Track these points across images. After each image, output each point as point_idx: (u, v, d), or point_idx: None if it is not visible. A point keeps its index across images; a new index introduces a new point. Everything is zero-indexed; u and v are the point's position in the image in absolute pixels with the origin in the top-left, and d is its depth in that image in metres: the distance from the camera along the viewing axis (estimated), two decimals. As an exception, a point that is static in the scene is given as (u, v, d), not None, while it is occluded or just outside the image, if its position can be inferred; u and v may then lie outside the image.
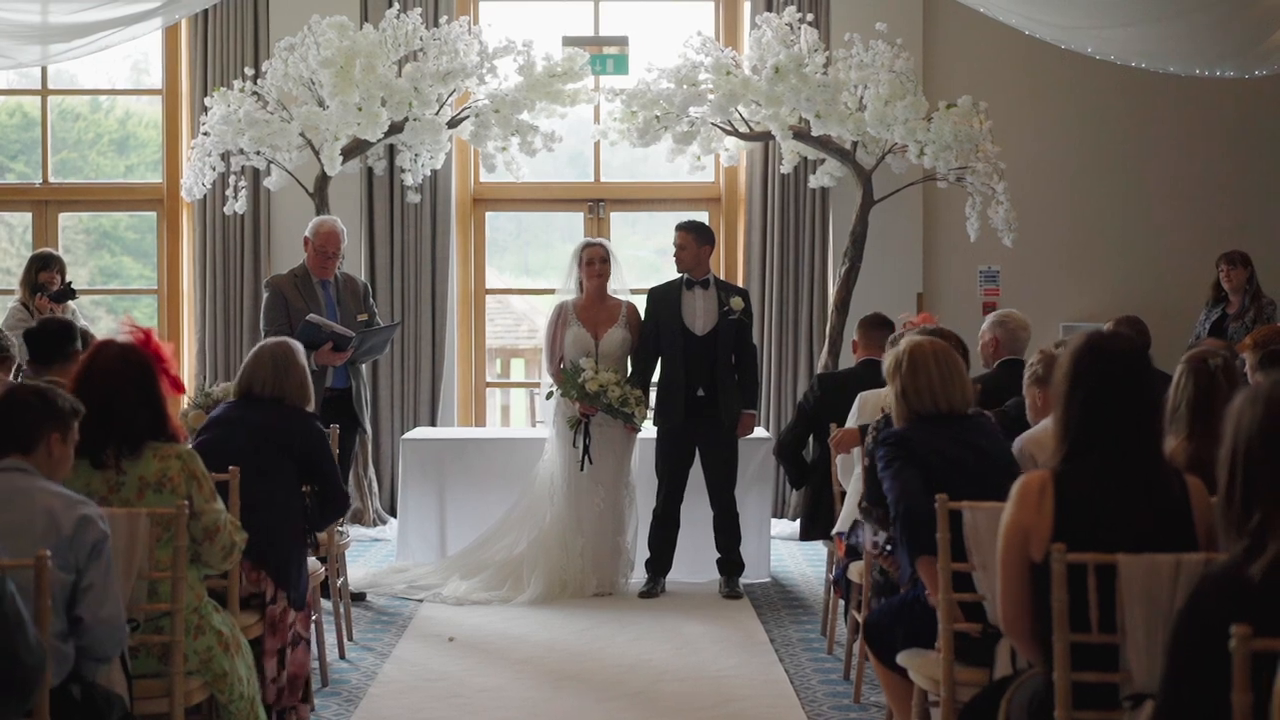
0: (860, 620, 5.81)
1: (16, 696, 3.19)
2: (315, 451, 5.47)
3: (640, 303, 8.20)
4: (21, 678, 3.16)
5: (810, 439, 7.44)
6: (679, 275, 8.05)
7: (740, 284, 10.37)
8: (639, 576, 8.00)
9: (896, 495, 4.47)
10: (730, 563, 7.96)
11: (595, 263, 8.03)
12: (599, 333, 7.99)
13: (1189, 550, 3.33)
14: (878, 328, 7.25)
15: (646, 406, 7.93)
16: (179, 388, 4.51)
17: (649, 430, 8.08)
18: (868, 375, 6.76)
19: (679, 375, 7.92)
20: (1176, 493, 3.45)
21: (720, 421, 7.92)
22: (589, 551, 7.86)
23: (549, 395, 8.08)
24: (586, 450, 7.83)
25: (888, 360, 4.80)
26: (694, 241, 8.01)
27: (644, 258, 10.93)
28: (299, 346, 5.68)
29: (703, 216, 10.10)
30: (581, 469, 7.83)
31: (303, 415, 5.52)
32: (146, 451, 4.28)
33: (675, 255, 8.04)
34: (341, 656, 6.47)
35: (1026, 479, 3.50)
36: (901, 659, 4.47)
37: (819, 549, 8.23)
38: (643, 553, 8.03)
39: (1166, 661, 2.62)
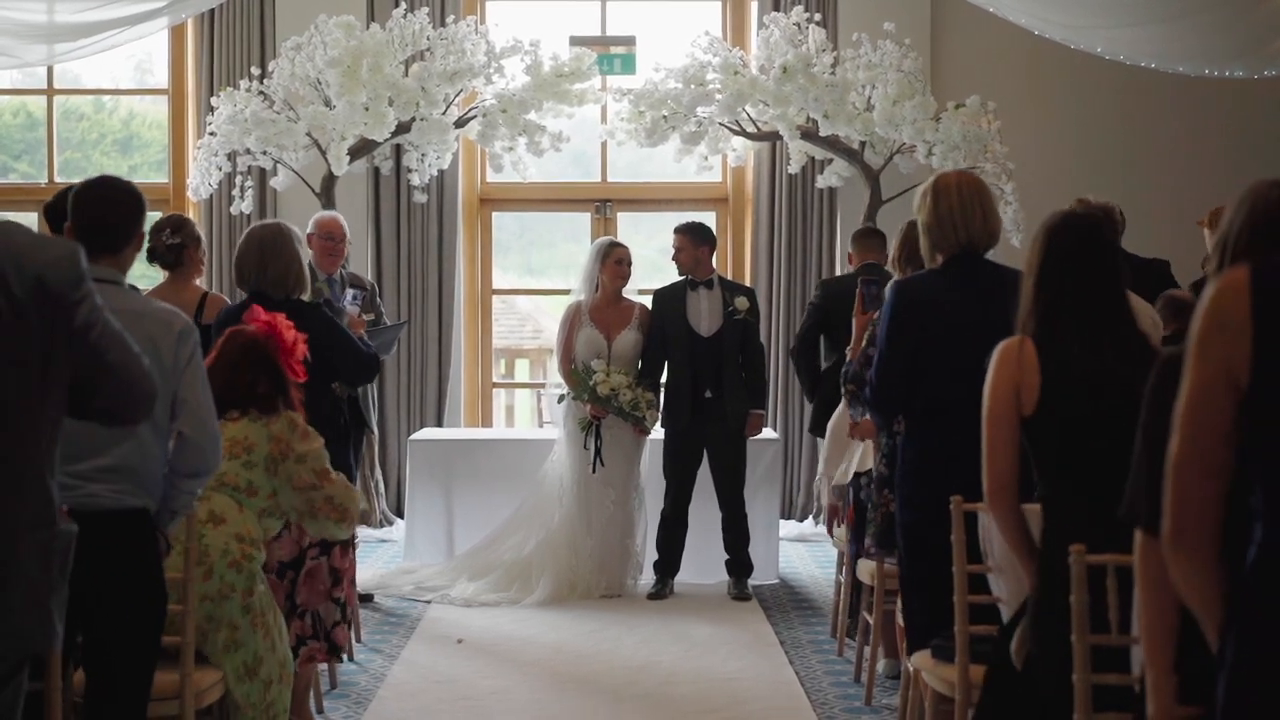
0: (871, 621, 5.80)
1: (132, 412, 3.09)
2: (320, 346, 5.13)
3: (648, 303, 8.19)
4: (140, 394, 3.05)
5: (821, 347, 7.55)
6: (683, 277, 8.04)
7: (748, 284, 10.33)
8: (647, 578, 7.97)
9: (874, 373, 4.69)
10: (739, 564, 7.92)
11: (624, 263, 8.02)
12: (612, 335, 7.95)
13: None
14: (869, 236, 7.69)
15: (658, 409, 7.89)
16: (296, 373, 4.58)
17: (658, 432, 8.02)
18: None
19: (686, 377, 7.87)
20: (1139, 350, 3.57)
21: (728, 422, 7.86)
22: (597, 553, 7.83)
23: (561, 399, 8.00)
24: (598, 452, 7.81)
25: (915, 198, 4.79)
26: (690, 243, 7.98)
27: (648, 257, 10.90)
28: (291, 231, 5.43)
29: (710, 216, 10.08)
30: (593, 471, 7.80)
31: (293, 311, 5.18)
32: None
33: (674, 258, 8.03)
34: (350, 659, 6.43)
35: (1004, 344, 3.58)
36: (915, 660, 4.45)
37: (829, 551, 8.19)
38: (651, 554, 7.99)
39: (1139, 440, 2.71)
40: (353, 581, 5.73)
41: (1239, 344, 2.23)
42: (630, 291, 8.16)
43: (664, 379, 8.06)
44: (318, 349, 5.03)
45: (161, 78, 10.97)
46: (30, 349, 2.74)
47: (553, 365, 8.21)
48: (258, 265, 5.35)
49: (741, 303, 7.94)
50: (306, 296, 5.45)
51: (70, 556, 2.92)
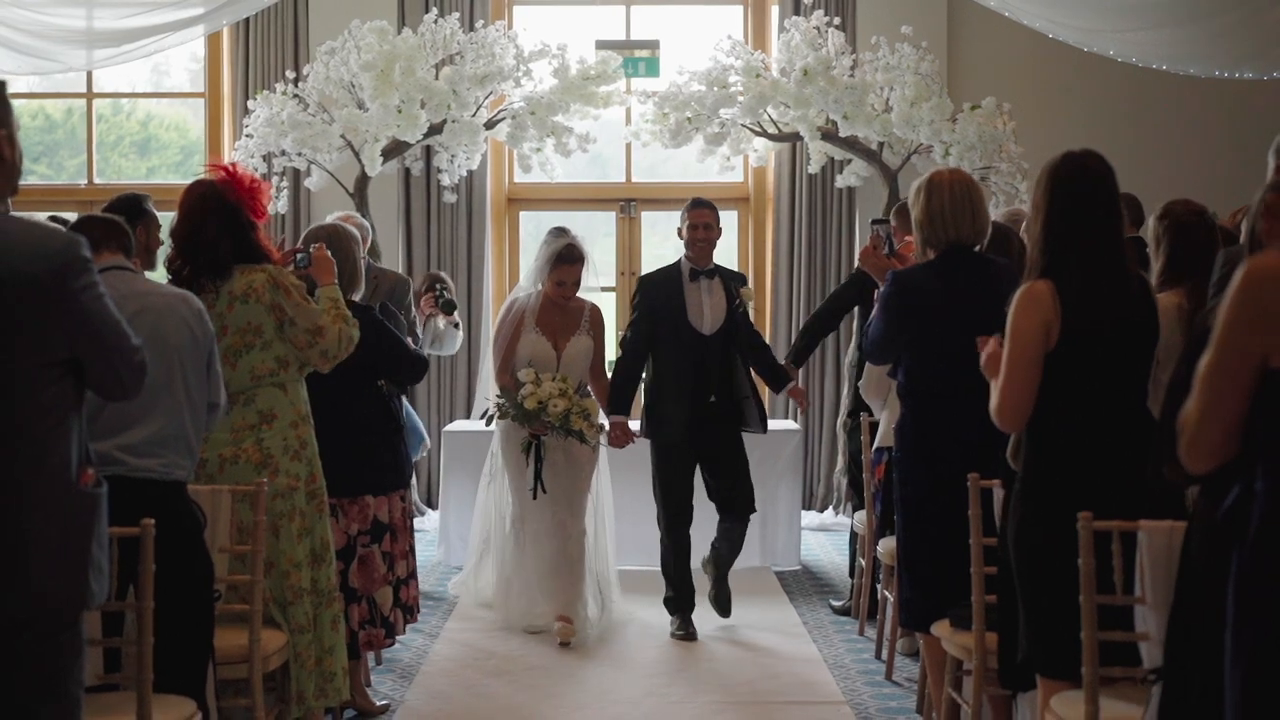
0: (891, 596, 6.06)
1: (124, 387, 3.28)
2: (367, 346, 5.22)
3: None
4: (131, 370, 3.26)
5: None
6: (676, 262, 6.99)
7: (768, 282, 10.61)
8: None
9: (868, 341, 5.10)
10: (724, 592, 7.00)
11: (567, 285, 6.82)
12: (560, 342, 6.84)
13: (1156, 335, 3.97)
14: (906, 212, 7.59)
15: (596, 423, 6.77)
16: (259, 214, 4.80)
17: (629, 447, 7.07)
18: None
19: (687, 382, 6.78)
20: (1139, 290, 3.95)
21: (732, 430, 6.89)
22: (549, 588, 6.84)
23: (486, 416, 7.07)
24: (538, 476, 6.73)
25: (909, 194, 5.06)
26: (716, 220, 6.94)
27: (666, 256, 11.18)
28: (348, 232, 5.62)
29: (731, 215, 10.34)
30: (534, 497, 6.75)
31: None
32: (235, 273, 4.69)
33: (699, 239, 6.86)
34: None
35: (1032, 288, 3.86)
36: (936, 629, 4.72)
37: (844, 540, 8.42)
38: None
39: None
40: (413, 572, 5.95)
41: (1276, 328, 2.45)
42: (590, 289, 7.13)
43: (647, 382, 7.05)
44: (365, 349, 5.25)
45: (178, 80, 11.37)
46: (30, 334, 2.99)
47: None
48: None
49: (748, 293, 6.99)
50: (358, 296, 5.69)
51: (100, 519, 3.12)
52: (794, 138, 10.03)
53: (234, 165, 4.84)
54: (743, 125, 9.88)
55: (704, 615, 7.07)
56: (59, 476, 3.02)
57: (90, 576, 3.06)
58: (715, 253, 7.01)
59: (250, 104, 9.95)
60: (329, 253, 5.14)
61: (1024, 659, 3.97)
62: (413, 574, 5.91)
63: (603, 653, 6.59)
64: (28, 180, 11.60)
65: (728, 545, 6.94)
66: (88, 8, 10.06)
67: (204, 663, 4.04)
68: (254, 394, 4.67)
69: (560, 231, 6.92)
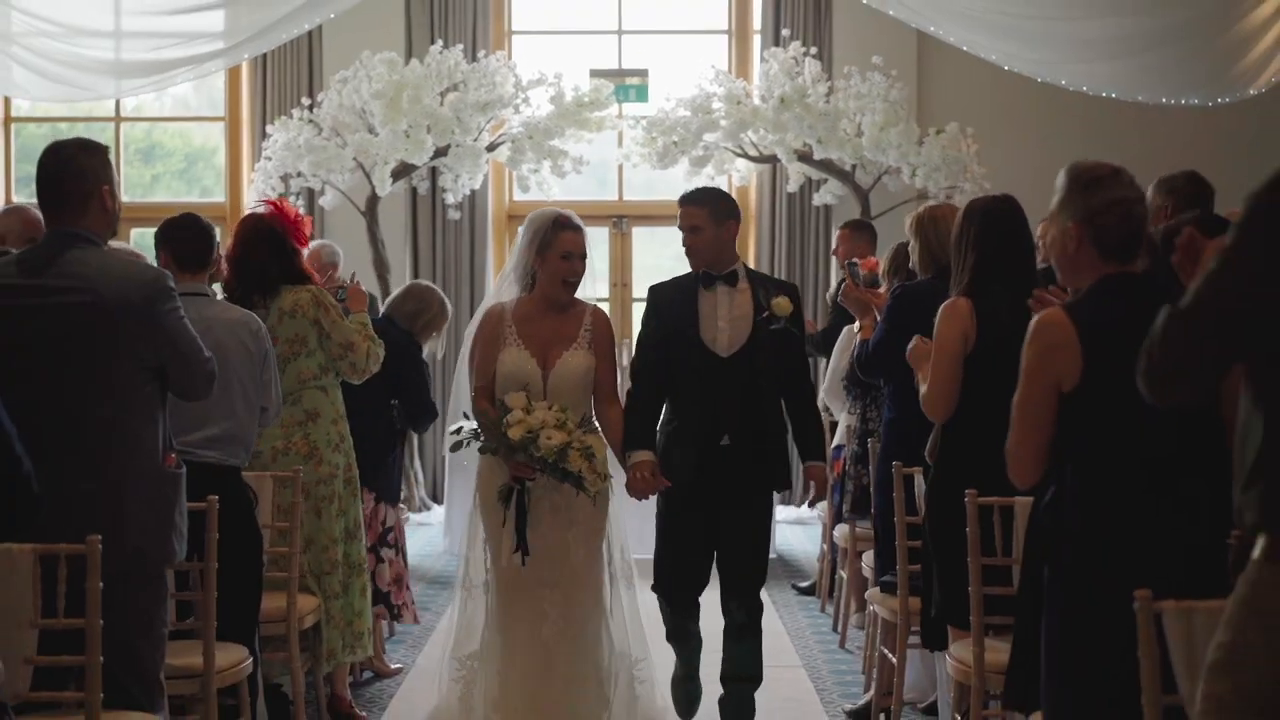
0: (846, 576, 6.86)
1: (196, 390, 4.12)
2: (401, 373, 6.23)
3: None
4: (203, 377, 4.10)
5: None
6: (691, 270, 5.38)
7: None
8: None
9: (872, 347, 5.57)
10: (741, 707, 5.30)
11: (575, 257, 5.09)
12: (549, 359, 5.06)
13: None
14: (861, 229, 8.39)
15: (603, 466, 4.97)
16: (302, 241, 5.63)
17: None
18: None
19: (697, 417, 5.17)
20: None
21: (753, 486, 5.25)
22: (550, 693, 4.99)
23: (456, 446, 5.32)
24: (522, 536, 4.94)
25: (909, 221, 5.66)
26: (710, 218, 5.23)
27: (663, 265, 11.87)
28: (439, 298, 6.76)
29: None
30: (522, 562, 4.94)
31: (395, 343, 6.11)
32: (282, 291, 5.51)
33: (687, 245, 5.27)
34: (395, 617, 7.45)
35: (955, 303, 4.63)
36: (869, 596, 5.51)
37: (818, 532, 9.18)
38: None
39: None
40: (392, 547, 6.59)
41: (1068, 361, 3.22)
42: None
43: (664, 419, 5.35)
44: (396, 367, 6.15)
45: (189, 95, 12.26)
46: (126, 346, 3.88)
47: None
48: (414, 309, 6.72)
49: (781, 305, 5.22)
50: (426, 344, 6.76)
51: (181, 493, 4.02)
52: (773, 159, 10.77)
53: (281, 200, 5.68)
54: (725, 148, 10.63)
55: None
56: (150, 459, 3.86)
57: (173, 538, 3.89)
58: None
59: (269, 129, 10.72)
60: (363, 287, 5.99)
61: (937, 614, 4.76)
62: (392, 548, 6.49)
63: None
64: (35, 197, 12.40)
65: (735, 665, 5.32)
66: (115, 39, 10.82)
67: (254, 618, 4.84)
68: (300, 395, 5.47)
69: (541, 215, 5.23)
